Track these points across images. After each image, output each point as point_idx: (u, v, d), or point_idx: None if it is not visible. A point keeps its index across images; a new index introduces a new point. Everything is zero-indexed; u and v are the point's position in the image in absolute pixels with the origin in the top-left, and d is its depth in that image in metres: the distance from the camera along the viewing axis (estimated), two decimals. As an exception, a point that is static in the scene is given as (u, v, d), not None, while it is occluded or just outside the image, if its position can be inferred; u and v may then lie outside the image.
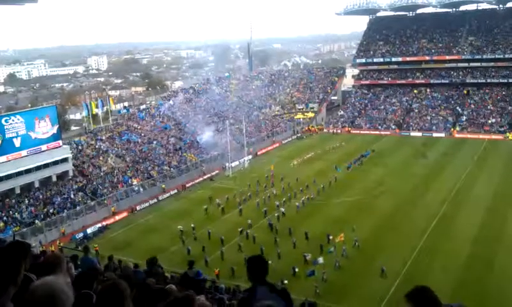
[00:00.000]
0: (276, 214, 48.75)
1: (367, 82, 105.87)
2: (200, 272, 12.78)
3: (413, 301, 3.48)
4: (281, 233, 44.24)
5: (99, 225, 51.63)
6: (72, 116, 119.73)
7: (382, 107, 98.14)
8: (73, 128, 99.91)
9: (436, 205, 49.97)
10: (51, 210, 51.56)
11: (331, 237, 40.67)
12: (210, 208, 52.73)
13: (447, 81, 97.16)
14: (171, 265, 32.65)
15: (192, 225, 46.90)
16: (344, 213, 49.33)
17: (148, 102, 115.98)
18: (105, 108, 79.36)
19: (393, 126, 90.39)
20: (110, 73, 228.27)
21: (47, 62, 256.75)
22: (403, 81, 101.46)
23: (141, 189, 60.40)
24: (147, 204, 57.85)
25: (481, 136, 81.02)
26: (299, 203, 51.46)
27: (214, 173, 67.92)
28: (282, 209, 49.63)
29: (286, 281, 33.41)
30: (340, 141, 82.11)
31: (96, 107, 76.32)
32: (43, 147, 55.42)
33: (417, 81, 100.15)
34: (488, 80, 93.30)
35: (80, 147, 66.27)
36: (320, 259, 35.33)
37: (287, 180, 59.93)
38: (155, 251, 40.39)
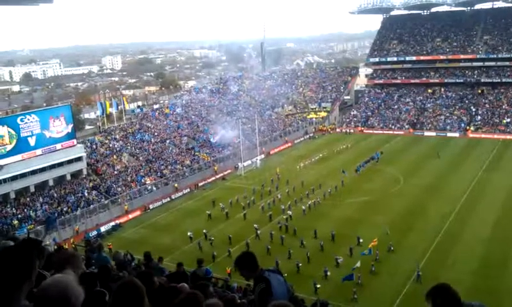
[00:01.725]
0: (284, 217, 47.97)
1: (381, 81, 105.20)
2: (209, 270, 12.81)
3: (434, 299, 3.50)
4: (291, 234, 44.17)
5: (112, 223, 52.08)
6: (86, 115, 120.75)
7: (395, 106, 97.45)
8: (87, 127, 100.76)
9: (449, 205, 49.49)
10: (65, 209, 52.11)
11: (361, 240, 40.26)
12: (214, 212, 51.58)
13: (462, 80, 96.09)
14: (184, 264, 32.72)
15: (204, 231, 45.93)
16: (358, 213, 49.15)
17: (161, 102, 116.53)
18: (119, 107, 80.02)
19: (407, 126, 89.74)
20: (124, 73, 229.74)
21: (61, 61, 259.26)
22: (417, 80, 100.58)
23: (154, 188, 60.76)
24: (160, 203, 58.19)
25: (496, 136, 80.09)
26: (305, 206, 50.31)
27: (226, 172, 68.06)
28: (289, 212, 48.70)
29: (318, 286, 33.24)
30: (347, 142, 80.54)
31: (111, 106, 76.93)
32: (58, 146, 55.98)
33: (431, 80, 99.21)
34: (503, 80, 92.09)
35: (94, 146, 66.84)
36: (358, 264, 34.71)
37: (292, 184, 58.35)
38: (168, 250, 40.75)
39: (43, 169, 54.06)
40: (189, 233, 45.55)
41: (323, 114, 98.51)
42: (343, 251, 39.22)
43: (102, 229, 50.86)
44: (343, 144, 79.92)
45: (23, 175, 52.20)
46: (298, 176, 62.18)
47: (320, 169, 66.11)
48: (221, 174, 67.33)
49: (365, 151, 73.14)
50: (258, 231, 44.61)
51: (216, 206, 53.39)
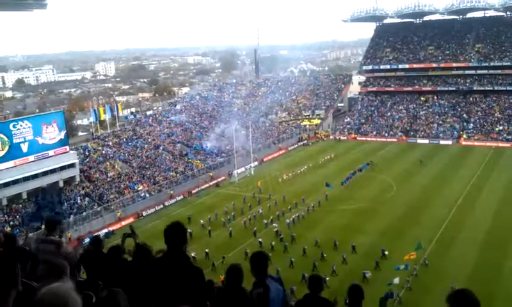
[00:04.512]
0: (275, 230, 46.30)
1: (374, 89, 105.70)
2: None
3: (453, 304, 3.48)
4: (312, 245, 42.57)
5: (105, 230, 51.77)
6: (79, 122, 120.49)
7: (389, 114, 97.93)
8: (80, 133, 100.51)
9: (443, 212, 49.64)
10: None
11: (386, 253, 38.90)
12: (195, 230, 48.03)
13: (454, 88, 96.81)
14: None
15: (206, 250, 42.37)
16: (353, 220, 49.13)
17: (155, 108, 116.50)
18: (113, 113, 79.89)
19: (400, 134, 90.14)
20: (117, 79, 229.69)
21: (54, 68, 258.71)
22: (410, 88, 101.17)
23: (147, 195, 60.55)
24: (153, 210, 57.97)
25: (488, 144, 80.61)
26: (289, 220, 48.61)
27: (220, 179, 67.99)
28: (275, 224, 47.28)
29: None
30: (331, 153, 78.10)
31: (104, 112, 76.80)
32: (50, 152, 55.82)
33: (424, 88, 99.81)
34: (495, 88, 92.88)
35: (87, 152, 66.63)
36: (396, 280, 32.89)
37: (274, 198, 56.37)
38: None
39: (35, 176, 53.82)
40: (193, 254, 39.75)
41: (317, 121, 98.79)
42: (366, 263, 37.55)
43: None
44: (328, 154, 77.45)
45: (15, 182, 51.95)
46: (281, 189, 60.17)
47: (305, 181, 63.93)
48: (215, 181, 67.23)
49: (353, 163, 70.82)
50: (273, 243, 42.94)
51: (192, 223, 50.03)
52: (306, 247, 41.26)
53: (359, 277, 34.39)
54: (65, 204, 54.01)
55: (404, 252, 39.03)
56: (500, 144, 79.76)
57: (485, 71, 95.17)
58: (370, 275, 35.00)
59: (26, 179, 53.03)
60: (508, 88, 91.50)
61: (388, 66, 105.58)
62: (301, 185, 62.10)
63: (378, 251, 39.67)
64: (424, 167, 68.28)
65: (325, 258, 39.17)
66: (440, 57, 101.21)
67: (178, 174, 66.63)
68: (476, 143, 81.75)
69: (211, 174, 68.37)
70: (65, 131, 58.60)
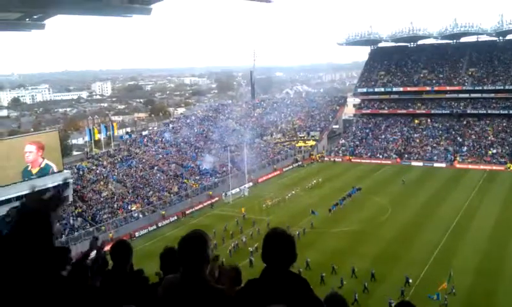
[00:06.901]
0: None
1: (368, 111, 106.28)
2: None
3: None
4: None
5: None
6: (74, 141, 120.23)
7: (383, 136, 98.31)
8: (75, 153, 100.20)
9: (438, 235, 49.57)
10: (50, 235, 51.37)
11: (410, 281, 37.99)
12: None
13: (448, 111, 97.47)
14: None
15: None
16: (345, 243, 48.96)
17: (150, 128, 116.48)
18: (108, 133, 79.84)
19: (394, 156, 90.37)
20: (113, 99, 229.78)
21: (51, 87, 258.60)
22: (404, 111, 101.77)
23: (141, 215, 60.19)
24: (146, 230, 57.58)
25: (482, 167, 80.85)
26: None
27: (214, 200, 67.78)
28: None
29: None
30: (319, 177, 76.23)
31: (99, 132, 76.73)
32: (44, 172, 55.53)
33: (418, 111, 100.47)
34: (489, 111, 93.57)
35: (81, 172, 66.38)
36: None
37: (257, 226, 54.00)
38: (155, 278, 39.95)
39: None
40: None
41: (312, 142, 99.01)
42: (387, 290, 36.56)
43: (87, 256, 50.06)
44: (315, 178, 75.58)
45: (8, 201, 51.52)
46: (266, 215, 59.07)
47: (292, 206, 62.74)
48: (209, 202, 67.01)
49: (347, 185, 69.78)
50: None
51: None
52: (324, 274, 39.29)
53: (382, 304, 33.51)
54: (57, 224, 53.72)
55: (397, 272, 38.94)
56: (494, 167, 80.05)
57: (478, 95, 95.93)
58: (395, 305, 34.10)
59: (19, 198, 52.61)
60: (501, 111, 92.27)
61: (382, 89, 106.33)
62: (288, 210, 60.87)
63: (381, 276, 39.31)
64: (424, 190, 68.04)
65: (342, 287, 37.25)
66: (434, 81, 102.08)
67: (172, 195, 66.38)
68: (470, 166, 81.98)
69: (211, 193, 68.67)
70: (60, 150, 58.50)
